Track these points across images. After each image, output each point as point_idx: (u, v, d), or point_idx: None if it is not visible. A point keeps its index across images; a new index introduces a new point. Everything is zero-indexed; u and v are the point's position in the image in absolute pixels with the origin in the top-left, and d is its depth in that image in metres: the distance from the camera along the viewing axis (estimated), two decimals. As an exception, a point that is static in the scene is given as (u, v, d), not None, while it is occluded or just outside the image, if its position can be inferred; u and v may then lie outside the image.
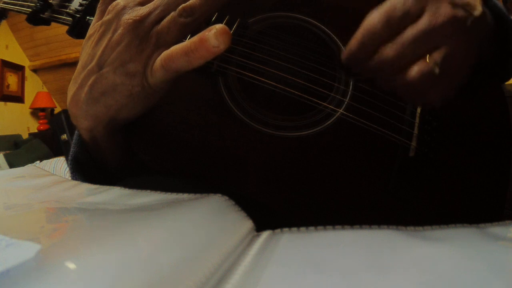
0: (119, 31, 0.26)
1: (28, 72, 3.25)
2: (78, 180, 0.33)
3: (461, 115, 0.33)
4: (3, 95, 2.98)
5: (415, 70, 0.23)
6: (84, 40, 0.29)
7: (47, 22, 0.42)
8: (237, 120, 0.29)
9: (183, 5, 0.26)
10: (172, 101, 0.30)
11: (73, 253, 0.14)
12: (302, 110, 0.29)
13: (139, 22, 0.25)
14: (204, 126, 0.29)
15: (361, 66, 0.25)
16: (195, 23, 0.26)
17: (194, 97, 0.30)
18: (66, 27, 0.38)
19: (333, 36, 0.31)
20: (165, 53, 0.25)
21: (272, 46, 0.31)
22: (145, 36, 0.25)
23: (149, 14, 0.26)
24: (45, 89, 3.40)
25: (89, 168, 0.32)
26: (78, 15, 0.37)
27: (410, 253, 0.15)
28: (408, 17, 0.23)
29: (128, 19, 0.25)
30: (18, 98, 3.15)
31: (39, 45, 3.09)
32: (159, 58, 0.25)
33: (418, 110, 0.30)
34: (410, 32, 0.23)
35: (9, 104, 3.06)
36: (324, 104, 0.29)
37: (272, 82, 0.29)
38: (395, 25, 0.23)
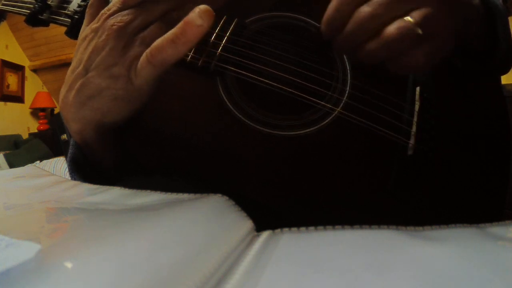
0: (104, 36, 0.26)
1: (28, 72, 3.25)
2: (78, 181, 0.33)
3: (460, 114, 0.33)
4: (3, 95, 2.98)
5: (392, 27, 0.23)
6: (77, 44, 0.29)
7: (45, 23, 0.42)
8: (236, 120, 0.29)
9: (172, 13, 0.26)
10: (170, 101, 0.30)
11: (73, 253, 0.14)
12: (300, 109, 0.29)
13: (123, 28, 0.26)
14: (203, 126, 0.29)
15: (340, 34, 0.25)
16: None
17: (192, 97, 0.30)
18: (65, 28, 0.38)
19: None
20: (151, 47, 0.25)
21: (270, 46, 0.31)
22: (129, 40, 0.26)
23: (133, 19, 0.26)
24: (45, 89, 3.40)
25: (86, 169, 0.32)
26: (76, 16, 0.37)
27: (410, 253, 0.15)
28: None
29: (113, 25, 0.26)
30: (18, 98, 3.15)
31: (39, 45, 3.10)
32: (144, 55, 0.25)
33: (417, 108, 0.30)
34: None
35: (9, 104, 3.06)
36: (322, 103, 0.29)
37: (270, 82, 0.29)
38: None
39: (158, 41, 0.25)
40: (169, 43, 0.24)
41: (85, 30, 0.29)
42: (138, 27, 0.26)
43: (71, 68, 0.28)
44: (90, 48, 0.27)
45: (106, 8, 0.28)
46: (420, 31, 0.23)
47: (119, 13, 0.27)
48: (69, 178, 0.33)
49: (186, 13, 0.25)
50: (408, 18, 0.23)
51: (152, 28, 0.26)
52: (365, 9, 0.24)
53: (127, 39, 0.26)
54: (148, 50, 0.25)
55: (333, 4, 0.25)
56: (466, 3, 0.26)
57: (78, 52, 0.28)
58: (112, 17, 0.27)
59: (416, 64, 0.25)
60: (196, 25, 0.24)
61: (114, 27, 0.26)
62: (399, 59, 0.25)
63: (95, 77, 0.26)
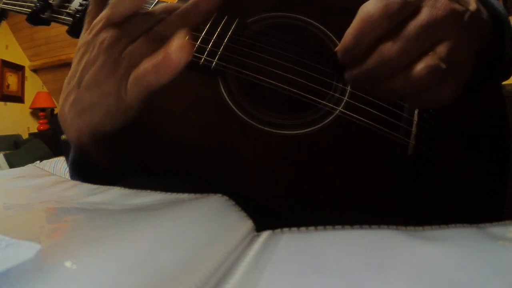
0: (94, 52, 0.26)
1: (28, 72, 3.25)
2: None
3: (460, 114, 0.33)
4: (3, 95, 2.98)
5: (421, 66, 0.22)
6: (75, 52, 0.29)
7: (47, 22, 0.42)
8: (236, 119, 0.29)
9: (155, 28, 0.26)
10: (170, 100, 0.30)
11: (73, 253, 0.14)
12: (301, 109, 0.29)
13: (113, 43, 0.26)
14: (203, 125, 0.29)
15: (358, 64, 0.24)
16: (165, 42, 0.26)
17: (193, 97, 0.30)
18: (66, 27, 0.38)
19: (332, 36, 0.31)
20: (137, 70, 0.25)
21: (271, 46, 0.31)
22: (118, 57, 0.26)
23: (121, 35, 0.26)
24: (45, 89, 3.40)
25: (87, 171, 0.32)
26: (78, 15, 0.37)
27: (410, 253, 0.15)
28: (407, 8, 0.22)
29: (103, 40, 0.26)
30: (18, 98, 3.15)
31: (39, 45, 3.10)
32: (130, 79, 0.26)
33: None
34: (413, 25, 0.22)
35: (9, 104, 3.06)
36: (323, 102, 0.29)
37: (271, 81, 0.29)
38: (395, 15, 0.22)
39: (144, 65, 0.25)
40: (152, 69, 0.24)
41: (82, 37, 0.29)
42: (127, 43, 0.26)
43: (67, 77, 0.29)
44: (83, 62, 0.27)
45: (97, 20, 0.27)
46: (445, 66, 0.22)
47: (108, 28, 0.26)
48: (69, 178, 0.34)
49: (170, 27, 0.25)
50: (435, 54, 0.22)
51: (138, 44, 0.26)
52: (391, 46, 0.22)
53: (116, 55, 0.26)
54: (134, 72, 0.25)
55: (351, 32, 0.23)
56: (480, 24, 0.25)
57: (75, 61, 0.29)
58: (102, 32, 0.26)
59: (441, 99, 0.24)
60: (173, 61, 0.23)
61: (104, 43, 0.26)
62: (423, 95, 0.24)
63: (86, 92, 0.27)
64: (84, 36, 0.28)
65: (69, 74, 0.29)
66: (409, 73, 0.22)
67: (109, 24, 0.26)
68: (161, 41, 0.26)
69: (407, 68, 0.22)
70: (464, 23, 0.23)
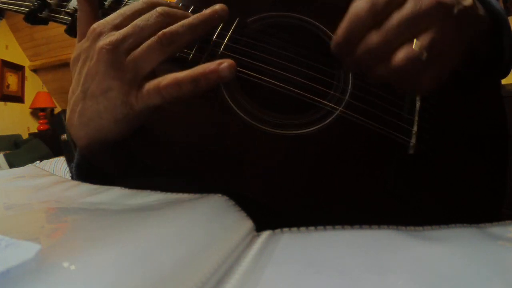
0: (94, 60, 0.25)
1: (28, 72, 3.25)
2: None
3: (460, 114, 0.33)
4: (3, 95, 2.98)
5: (400, 54, 0.23)
6: (71, 61, 0.29)
7: (45, 22, 0.42)
8: (237, 119, 0.29)
9: (164, 30, 0.25)
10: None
11: (73, 253, 0.14)
12: (302, 109, 0.29)
13: (112, 50, 0.25)
14: (204, 125, 0.29)
15: (349, 56, 0.25)
16: (174, 51, 0.26)
17: (194, 96, 0.30)
18: (65, 27, 0.38)
19: (332, 35, 0.31)
20: (168, 78, 0.25)
21: (271, 45, 0.31)
22: (121, 64, 0.25)
23: (123, 40, 0.25)
24: (45, 89, 3.40)
25: (92, 175, 0.32)
26: (76, 14, 0.37)
27: (410, 253, 0.15)
28: (393, 3, 0.24)
29: (102, 47, 0.25)
30: (18, 98, 3.15)
31: (39, 45, 3.10)
32: (154, 84, 0.25)
33: (417, 107, 0.30)
34: (395, 17, 0.23)
35: (9, 104, 3.06)
36: (324, 102, 0.29)
37: (272, 80, 0.29)
38: (380, 11, 0.24)
39: (178, 75, 0.25)
40: (190, 80, 0.24)
41: (77, 47, 0.28)
42: (128, 48, 0.25)
43: (71, 88, 0.28)
44: (84, 71, 0.26)
45: (95, 25, 0.26)
46: (426, 56, 0.23)
47: (109, 34, 0.25)
48: (70, 178, 0.34)
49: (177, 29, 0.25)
50: (415, 43, 0.23)
51: (145, 48, 0.25)
52: (374, 37, 0.24)
53: (118, 62, 0.25)
54: (163, 81, 0.25)
55: (343, 28, 0.25)
56: (474, 19, 0.26)
57: (75, 70, 0.28)
58: (101, 38, 0.25)
59: (423, 87, 0.25)
60: (222, 74, 0.24)
61: (103, 50, 0.25)
62: (406, 82, 0.25)
63: (92, 101, 0.26)
64: (81, 44, 0.27)
65: (73, 84, 0.28)
66: (391, 62, 0.24)
67: (112, 29, 0.26)
68: (172, 48, 0.25)
69: (389, 56, 0.24)
70: (453, 16, 0.24)
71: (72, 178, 0.34)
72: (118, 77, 0.25)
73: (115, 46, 0.25)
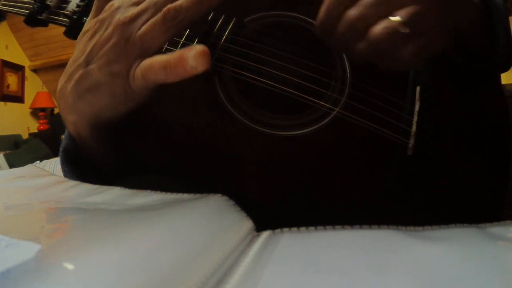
0: (109, 30, 0.26)
1: (28, 72, 3.25)
2: (68, 173, 0.33)
3: (460, 114, 0.33)
4: (3, 95, 2.97)
5: (378, 26, 0.24)
6: (79, 35, 0.29)
7: (44, 24, 0.42)
8: (234, 120, 0.29)
9: (169, 6, 0.25)
10: (168, 100, 0.30)
11: (73, 253, 0.14)
12: (299, 109, 0.29)
13: (128, 23, 0.25)
14: (201, 126, 0.29)
15: (333, 35, 0.26)
16: (178, 27, 0.26)
17: (190, 97, 0.30)
18: (65, 29, 0.38)
19: None
20: (145, 62, 0.25)
21: (268, 45, 0.31)
22: (131, 38, 0.25)
23: (139, 15, 0.25)
24: (45, 89, 3.39)
25: (78, 162, 0.32)
26: (75, 16, 0.37)
27: (410, 253, 0.15)
28: None
29: (119, 19, 0.26)
30: (18, 98, 3.15)
31: (39, 45, 3.09)
32: (139, 67, 0.25)
33: (417, 108, 0.30)
34: None
35: (9, 104, 3.06)
36: (321, 102, 0.29)
37: (268, 81, 0.29)
38: None
39: (152, 61, 0.25)
40: (160, 67, 0.24)
41: (90, 21, 0.28)
42: (143, 23, 0.26)
43: (72, 58, 0.28)
44: (94, 40, 0.27)
45: (114, 1, 0.27)
46: (405, 30, 0.23)
47: (128, 8, 0.26)
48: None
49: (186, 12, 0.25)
50: (393, 17, 0.24)
51: (152, 25, 0.25)
52: (352, 12, 0.24)
53: (129, 36, 0.25)
54: (141, 65, 0.25)
55: (323, 8, 0.26)
56: (463, 2, 0.26)
57: (81, 42, 0.28)
58: (119, 11, 0.26)
59: (403, 61, 0.25)
60: (188, 65, 0.23)
61: (120, 21, 0.25)
62: (387, 57, 0.25)
63: (95, 70, 0.26)
64: (94, 20, 0.28)
65: (75, 54, 0.28)
66: (369, 35, 0.24)
67: (125, 4, 0.26)
68: (176, 24, 0.25)
69: (368, 30, 0.24)
70: None
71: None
72: (125, 52, 0.25)
73: (132, 20, 0.25)
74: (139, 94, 0.26)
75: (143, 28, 0.25)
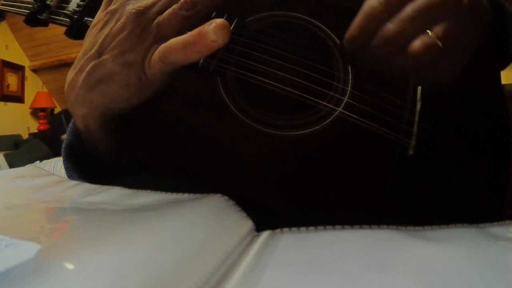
0: (122, 20, 0.26)
1: (28, 72, 3.25)
2: (70, 170, 0.33)
3: (461, 114, 0.33)
4: (3, 95, 2.98)
5: (417, 43, 0.24)
6: (89, 29, 0.29)
7: (44, 24, 0.42)
8: (236, 120, 0.29)
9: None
10: (170, 101, 0.30)
11: (73, 253, 0.14)
12: (301, 109, 0.29)
13: (142, 13, 0.26)
14: (203, 126, 0.29)
15: (363, 49, 0.26)
16: (195, 17, 0.26)
17: (192, 97, 0.30)
18: (66, 29, 0.38)
19: (332, 35, 0.31)
20: (164, 45, 0.25)
21: (270, 45, 0.31)
22: (147, 27, 0.26)
23: (152, 5, 0.26)
24: (45, 89, 3.40)
25: (82, 159, 0.32)
26: (75, 16, 0.37)
27: (410, 253, 0.15)
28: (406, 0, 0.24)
29: (132, 9, 0.26)
30: (18, 98, 3.15)
31: (39, 45, 3.09)
32: (157, 50, 0.25)
33: (418, 108, 0.30)
34: (410, 7, 0.24)
35: (9, 104, 3.06)
36: (323, 103, 0.29)
37: (271, 81, 0.29)
38: (394, 4, 0.24)
39: (171, 42, 0.25)
40: (180, 47, 0.24)
41: (100, 14, 0.28)
42: (157, 13, 0.26)
43: (82, 51, 0.28)
44: (105, 31, 0.27)
45: None
46: (444, 45, 0.23)
47: None
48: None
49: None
50: (430, 33, 0.24)
51: (169, 14, 0.26)
52: (390, 27, 0.24)
53: (145, 25, 0.25)
54: (160, 48, 0.25)
55: (356, 22, 0.25)
56: (483, 11, 0.27)
57: (91, 34, 0.28)
58: (130, 1, 0.26)
59: (440, 76, 0.26)
60: (209, 39, 0.24)
61: (133, 10, 0.25)
62: (423, 72, 0.26)
63: (108, 60, 0.26)
64: (104, 13, 0.28)
65: (85, 46, 0.28)
66: (408, 51, 0.24)
67: None
68: (193, 14, 0.26)
69: (406, 46, 0.24)
70: (464, 6, 0.24)
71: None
72: (141, 40, 0.25)
73: (145, 9, 0.26)
74: (154, 82, 0.27)
75: (161, 16, 0.26)
